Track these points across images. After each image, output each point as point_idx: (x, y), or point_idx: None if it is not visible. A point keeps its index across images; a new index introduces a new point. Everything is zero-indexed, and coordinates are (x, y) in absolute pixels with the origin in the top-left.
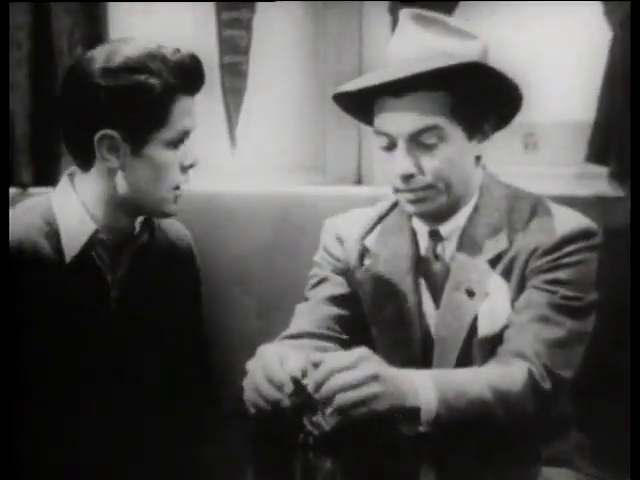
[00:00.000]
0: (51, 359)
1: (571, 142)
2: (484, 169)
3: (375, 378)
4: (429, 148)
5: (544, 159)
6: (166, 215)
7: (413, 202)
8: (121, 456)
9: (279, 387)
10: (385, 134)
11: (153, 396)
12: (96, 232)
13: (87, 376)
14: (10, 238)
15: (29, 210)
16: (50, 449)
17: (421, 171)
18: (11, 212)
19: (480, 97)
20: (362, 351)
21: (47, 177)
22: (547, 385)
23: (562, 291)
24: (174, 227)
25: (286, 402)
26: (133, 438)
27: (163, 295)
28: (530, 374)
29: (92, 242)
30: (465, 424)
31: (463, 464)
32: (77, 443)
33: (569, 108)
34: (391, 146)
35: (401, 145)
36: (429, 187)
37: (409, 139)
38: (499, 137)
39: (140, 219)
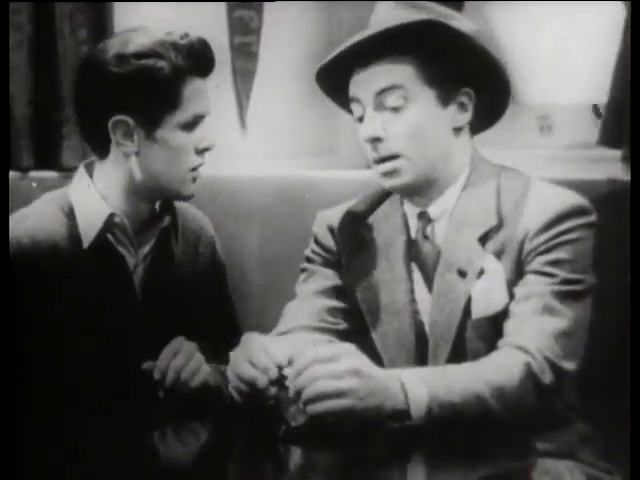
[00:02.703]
0: (74, 342)
1: (587, 124)
2: (475, 151)
3: (355, 373)
4: (395, 110)
5: (559, 142)
6: (184, 197)
7: (385, 175)
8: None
9: (264, 372)
10: (355, 100)
11: None
12: (111, 216)
13: (108, 360)
14: (25, 232)
15: (48, 203)
16: (81, 443)
17: (387, 134)
18: (29, 207)
19: (448, 60)
20: (347, 347)
21: (47, 161)
22: (547, 378)
23: (562, 274)
24: (197, 215)
25: (263, 381)
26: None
27: (190, 280)
28: (528, 368)
29: (108, 226)
30: (459, 419)
31: (454, 456)
32: (109, 430)
33: (584, 90)
34: (363, 116)
35: (368, 110)
36: (398, 156)
37: (375, 102)
38: (514, 120)
39: (159, 203)
